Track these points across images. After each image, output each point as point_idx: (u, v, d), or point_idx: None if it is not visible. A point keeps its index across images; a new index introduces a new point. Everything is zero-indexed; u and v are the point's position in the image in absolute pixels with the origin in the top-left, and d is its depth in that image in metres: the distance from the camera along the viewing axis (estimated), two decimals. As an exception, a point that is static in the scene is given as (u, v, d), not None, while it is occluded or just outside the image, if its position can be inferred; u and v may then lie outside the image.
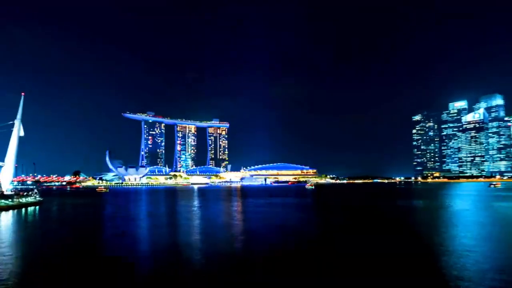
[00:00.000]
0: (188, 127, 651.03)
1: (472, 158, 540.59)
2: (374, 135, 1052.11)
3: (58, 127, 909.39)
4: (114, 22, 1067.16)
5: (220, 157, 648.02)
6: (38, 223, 49.64)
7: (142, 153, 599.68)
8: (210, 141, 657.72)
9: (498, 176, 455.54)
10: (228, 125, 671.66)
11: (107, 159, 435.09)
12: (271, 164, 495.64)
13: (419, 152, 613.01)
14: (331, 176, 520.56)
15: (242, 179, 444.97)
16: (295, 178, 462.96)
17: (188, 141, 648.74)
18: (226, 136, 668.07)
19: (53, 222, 50.07)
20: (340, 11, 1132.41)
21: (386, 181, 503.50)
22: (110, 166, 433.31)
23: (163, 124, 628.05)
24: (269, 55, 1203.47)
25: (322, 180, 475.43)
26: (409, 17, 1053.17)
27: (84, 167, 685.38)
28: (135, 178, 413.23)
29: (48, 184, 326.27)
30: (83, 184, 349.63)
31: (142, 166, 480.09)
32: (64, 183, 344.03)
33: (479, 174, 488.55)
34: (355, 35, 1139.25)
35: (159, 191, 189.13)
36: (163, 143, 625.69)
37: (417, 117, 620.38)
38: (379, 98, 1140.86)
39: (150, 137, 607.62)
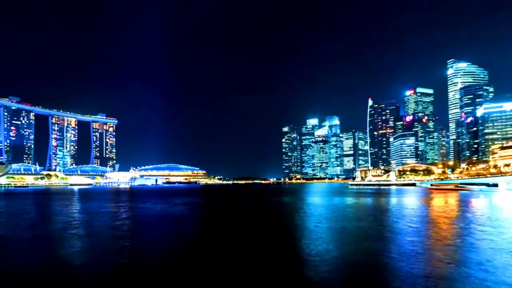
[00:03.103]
0: (67, 120, 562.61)
1: (321, 164, 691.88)
2: (255, 141, 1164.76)
3: None
4: None
5: (107, 155, 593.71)
6: None
7: (1, 146, 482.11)
8: (94, 137, 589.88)
9: (335, 178, 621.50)
10: (116, 121, 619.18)
11: None
12: (162, 165, 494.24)
13: (287, 158, 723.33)
14: (219, 177, 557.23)
15: (131, 179, 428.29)
16: (186, 179, 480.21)
17: (66, 136, 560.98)
18: (114, 133, 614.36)
19: None
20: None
21: (263, 181, 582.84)
22: None
23: (32, 114, 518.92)
24: (165, 55, 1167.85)
25: (211, 181, 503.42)
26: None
27: None
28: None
29: None
30: None
31: (1, 163, 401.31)
32: None
33: (325, 177, 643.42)
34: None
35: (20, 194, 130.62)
36: (32, 136, 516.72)
37: (285, 129, 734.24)
38: (261, 109, 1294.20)
39: (13, 128, 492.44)
